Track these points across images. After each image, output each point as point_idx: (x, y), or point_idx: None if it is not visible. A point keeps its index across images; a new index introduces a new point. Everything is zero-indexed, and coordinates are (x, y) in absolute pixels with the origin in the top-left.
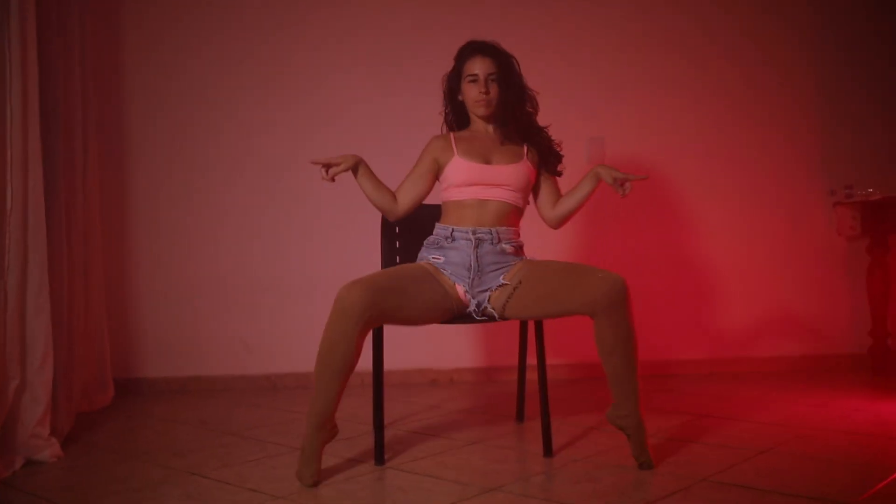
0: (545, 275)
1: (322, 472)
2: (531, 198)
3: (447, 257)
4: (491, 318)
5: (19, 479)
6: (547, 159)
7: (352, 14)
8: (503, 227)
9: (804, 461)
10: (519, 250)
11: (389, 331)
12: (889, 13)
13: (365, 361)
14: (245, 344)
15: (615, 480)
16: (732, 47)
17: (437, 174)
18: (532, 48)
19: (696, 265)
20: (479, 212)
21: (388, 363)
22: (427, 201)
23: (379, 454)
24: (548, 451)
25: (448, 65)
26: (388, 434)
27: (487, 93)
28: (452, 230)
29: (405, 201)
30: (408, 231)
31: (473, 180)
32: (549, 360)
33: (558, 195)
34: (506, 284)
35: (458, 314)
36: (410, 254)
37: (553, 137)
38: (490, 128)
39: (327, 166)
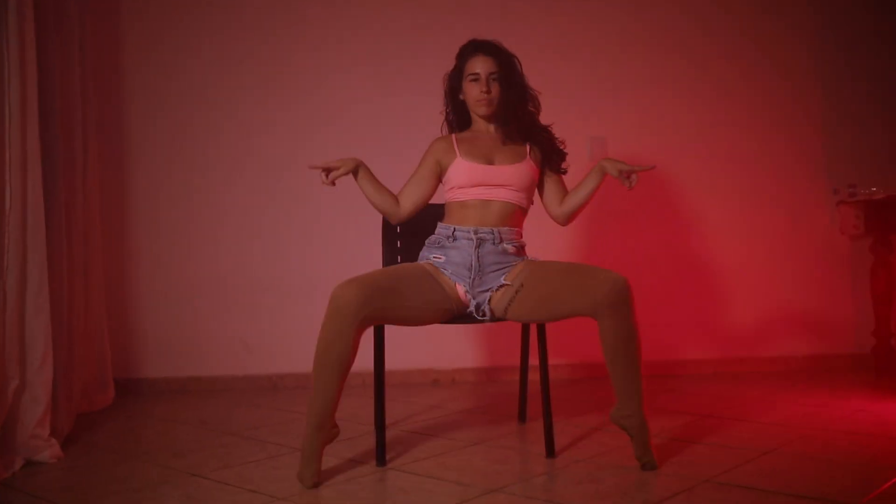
0: (547, 275)
1: (323, 473)
2: (538, 196)
3: (448, 256)
4: (491, 318)
5: (19, 480)
6: (550, 157)
7: (352, 14)
8: (506, 228)
9: (807, 462)
10: (521, 250)
11: (390, 331)
12: (889, 13)
13: (366, 361)
14: (245, 344)
15: (618, 481)
16: (732, 47)
17: (439, 176)
18: (532, 48)
19: (697, 265)
20: (483, 212)
21: (390, 363)
22: (429, 201)
23: (380, 455)
24: (550, 451)
25: (448, 65)
26: (390, 434)
27: (489, 92)
28: (454, 229)
29: (407, 204)
30: (409, 231)
31: (476, 181)
32: (552, 360)
33: (564, 192)
34: (507, 285)
35: (457, 314)
36: (411, 254)
37: (557, 136)
38: (492, 127)
39: (327, 170)
